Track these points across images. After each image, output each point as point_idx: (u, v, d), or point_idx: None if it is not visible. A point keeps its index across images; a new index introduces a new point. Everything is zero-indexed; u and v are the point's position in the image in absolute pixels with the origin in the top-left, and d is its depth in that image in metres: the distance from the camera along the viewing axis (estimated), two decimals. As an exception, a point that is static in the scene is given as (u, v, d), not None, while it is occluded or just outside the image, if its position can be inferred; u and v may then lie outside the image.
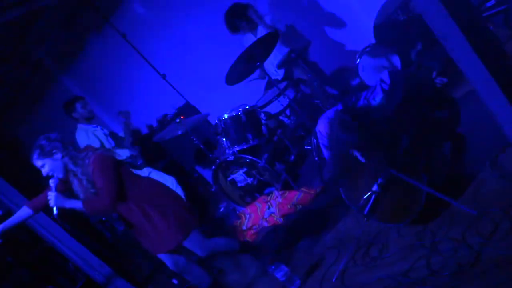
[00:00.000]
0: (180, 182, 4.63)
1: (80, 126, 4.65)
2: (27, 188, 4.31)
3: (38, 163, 2.85)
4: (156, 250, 3.07)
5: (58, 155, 2.85)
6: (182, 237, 3.00)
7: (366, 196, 2.75)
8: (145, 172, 4.58)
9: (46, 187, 2.98)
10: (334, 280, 2.74)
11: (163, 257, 3.10)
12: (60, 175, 2.90)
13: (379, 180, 2.70)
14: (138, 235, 3.06)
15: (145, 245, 3.09)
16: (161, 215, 2.95)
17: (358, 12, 4.83)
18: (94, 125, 4.70)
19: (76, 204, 2.84)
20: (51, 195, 2.84)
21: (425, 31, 2.17)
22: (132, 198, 2.93)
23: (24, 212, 3.06)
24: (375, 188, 2.72)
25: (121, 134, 4.78)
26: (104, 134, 4.67)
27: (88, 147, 3.01)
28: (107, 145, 4.61)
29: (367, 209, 2.74)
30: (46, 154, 2.83)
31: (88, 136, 4.59)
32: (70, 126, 4.82)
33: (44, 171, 2.87)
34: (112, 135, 4.78)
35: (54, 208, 2.84)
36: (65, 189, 2.99)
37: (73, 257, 4.28)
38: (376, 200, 2.73)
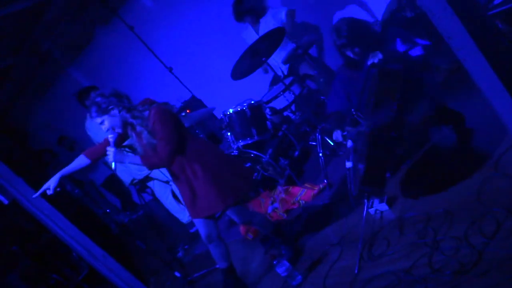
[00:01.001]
0: None
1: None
2: (32, 177, 4.35)
3: (97, 120, 2.83)
4: (198, 213, 2.98)
5: (115, 111, 2.80)
6: (231, 201, 2.94)
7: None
8: None
9: (104, 140, 2.97)
10: (356, 272, 2.71)
11: (199, 223, 3.04)
12: (120, 130, 2.87)
13: (350, 157, 2.79)
14: (183, 193, 3.00)
15: (188, 205, 3.01)
16: (213, 177, 2.89)
17: (365, 8, 4.80)
18: None
19: (135, 159, 2.83)
20: (110, 151, 2.83)
21: (433, 29, 2.16)
22: (187, 155, 2.87)
23: (81, 160, 3.04)
24: (348, 165, 2.81)
25: None
26: None
27: (146, 100, 2.93)
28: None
29: (352, 188, 2.82)
30: (103, 111, 2.79)
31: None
32: (77, 117, 4.84)
33: (104, 127, 2.84)
34: None
35: (113, 163, 2.87)
36: (121, 143, 2.98)
37: (77, 247, 4.30)
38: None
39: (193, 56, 5.52)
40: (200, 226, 3.06)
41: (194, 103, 5.40)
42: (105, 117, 2.81)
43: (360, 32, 2.87)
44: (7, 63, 5.49)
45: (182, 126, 2.92)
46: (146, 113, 2.82)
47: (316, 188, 3.88)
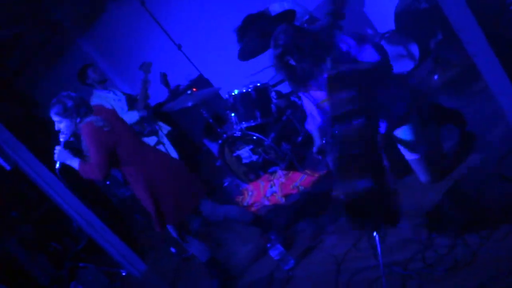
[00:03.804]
0: (186, 155, 4.63)
1: (96, 93, 4.64)
2: (37, 145, 4.37)
3: (54, 118, 2.94)
4: (155, 225, 3.06)
5: (69, 121, 2.91)
6: (177, 220, 3.02)
7: None
8: (152, 140, 4.58)
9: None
10: None
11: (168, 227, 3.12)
12: (67, 136, 2.98)
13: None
14: (145, 203, 3.05)
15: (152, 216, 3.07)
16: (161, 191, 2.96)
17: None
18: (108, 91, 4.68)
19: (74, 164, 2.93)
20: (57, 150, 2.96)
21: (447, 21, 2.10)
22: (134, 167, 2.94)
23: None
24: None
25: (137, 94, 4.72)
26: (118, 99, 4.65)
27: (97, 107, 3.01)
28: (119, 111, 4.59)
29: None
30: (62, 114, 2.89)
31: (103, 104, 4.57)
32: (84, 88, 4.83)
33: (56, 126, 2.96)
34: (128, 97, 4.74)
35: (57, 163, 2.98)
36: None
37: (76, 217, 4.35)
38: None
39: (203, 35, 5.45)
40: (168, 227, 3.12)
41: (201, 82, 5.37)
42: (65, 121, 2.91)
43: (300, 39, 2.58)
44: (17, 31, 5.47)
45: (127, 135, 2.96)
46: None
47: (316, 175, 3.86)
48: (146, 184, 2.94)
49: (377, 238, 2.28)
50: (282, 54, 2.63)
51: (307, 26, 2.81)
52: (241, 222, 3.29)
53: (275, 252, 2.97)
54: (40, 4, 5.28)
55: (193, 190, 3.08)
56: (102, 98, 4.55)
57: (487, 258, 2.13)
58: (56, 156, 2.97)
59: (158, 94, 5.61)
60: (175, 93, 5.21)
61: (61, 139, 2.97)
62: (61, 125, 2.93)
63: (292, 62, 2.64)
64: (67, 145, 3.01)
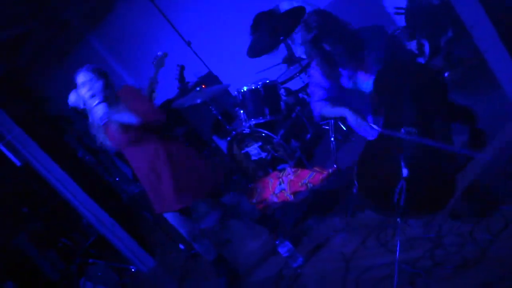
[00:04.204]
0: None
1: None
2: (47, 142, 4.41)
3: (88, 76, 2.79)
4: (169, 206, 2.93)
5: (106, 81, 2.83)
6: (177, 206, 2.93)
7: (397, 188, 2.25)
8: None
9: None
10: None
11: (175, 223, 3.07)
12: (102, 97, 2.77)
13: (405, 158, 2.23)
14: (151, 183, 2.94)
15: (155, 198, 2.97)
16: (162, 171, 2.88)
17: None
18: None
19: (126, 116, 2.73)
20: (100, 107, 2.73)
21: (458, 18, 2.08)
22: (145, 144, 2.87)
23: None
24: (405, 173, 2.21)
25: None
26: None
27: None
28: None
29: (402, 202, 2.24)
30: (99, 72, 2.82)
31: None
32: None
33: (89, 87, 2.78)
34: None
35: (101, 119, 2.77)
36: None
37: (86, 213, 4.38)
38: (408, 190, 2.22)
39: (212, 32, 5.46)
40: (178, 225, 3.06)
41: (210, 79, 5.37)
42: (101, 81, 2.80)
43: (333, 22, 2.53)
44: (25, 29, 5.50)
45: None
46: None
47: (325, 172, 3.86)
48: (152, 162, 2.88)
49: (399, 225, 2.25)
50: (316, 37, 2.50)
51: None
52: (249, 216, 3.28)
53: (283, 249, 2.98)
54: (49, 2, 5.31)
55: (203, 180, 3.00)
56: None
57: (496, 256, 2.13)
58: (101, 113, 2.71)
59: (166, 91, 5.64)
60: (184, 90, 5.22)
61: (97, 100, 2.73)
62: (96, 84, 2.76)
63: (327, 47, 2.53)
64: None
